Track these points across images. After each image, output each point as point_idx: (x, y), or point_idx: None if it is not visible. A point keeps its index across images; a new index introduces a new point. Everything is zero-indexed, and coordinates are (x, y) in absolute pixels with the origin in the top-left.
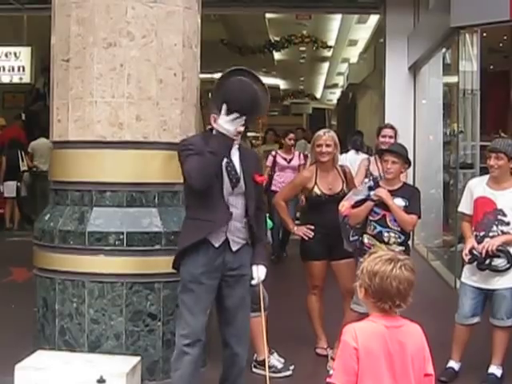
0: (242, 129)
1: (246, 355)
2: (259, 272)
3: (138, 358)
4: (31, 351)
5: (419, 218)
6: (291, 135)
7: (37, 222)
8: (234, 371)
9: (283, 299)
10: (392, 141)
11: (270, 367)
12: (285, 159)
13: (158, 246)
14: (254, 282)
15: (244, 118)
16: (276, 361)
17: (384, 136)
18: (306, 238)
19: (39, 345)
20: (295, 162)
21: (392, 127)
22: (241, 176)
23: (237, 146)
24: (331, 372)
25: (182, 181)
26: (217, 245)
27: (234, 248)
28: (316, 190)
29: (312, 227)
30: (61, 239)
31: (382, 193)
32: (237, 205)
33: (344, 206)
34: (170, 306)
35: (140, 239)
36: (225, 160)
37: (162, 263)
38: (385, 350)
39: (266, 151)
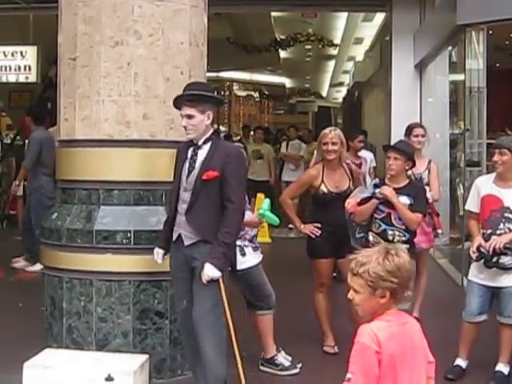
0: (183, 123)
1: (207, 352)
2: (204, 270)
3: (145, 356)
4: (39, 350)
5: (424, 215)
6: (360, 137)
7: (44, 221)
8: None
9: (290, 297)
10: (424, 139)
11: (277, 365)
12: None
13: None
14: (203, 280)
15: (183, 111)
16: (283, 359)
17: (416, 135)
18: (313, 236)
19: (47, 343)
20: (363, 169)
21: (421, 126)
22: (195, 172)
23: (203, 141)
24: (349, 376)
25: None
26: (173, 239)
27: (186, 243)
28: (323, 187)
29: (319, 225)
30: (68, 238)
31: (387, 191)
32: (186, 200)
33: (350, 204)
34: (176, 304)
35: (147, 237)
36: (188, 157)
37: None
38: (401, 350)
39: (254, 151)
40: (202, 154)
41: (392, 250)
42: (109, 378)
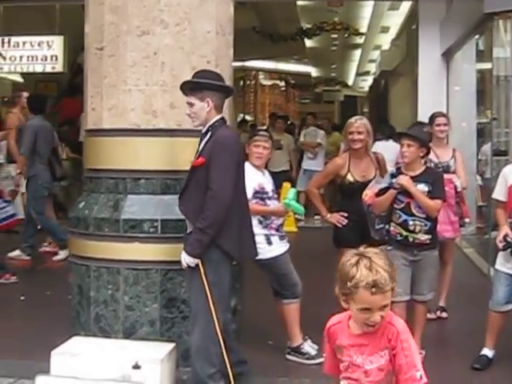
0: (187, 111)
1: (193, 341)
2: (181, 257)
3: (172, 345)
4: (67, 338)
5: (444, 201)
6: (441, 119)
7: (72, 210)
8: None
9: (316, 286)
10: (446, 128)
11: (303, 354)
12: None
13: None
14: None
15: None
16: (309, 347)
17: (438, 124)
18: (340, 226)
19: (75, 331)
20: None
21: (444, 115)
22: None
23: (206, 128)
24: (420, 373)
25: None
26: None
27: (188, 230)
28: (349, 177)
29: (345, 214)
30: (95, 227)
31: (404, 180)
32: None
33: (367, 195)
34: None
35: (174, 226)
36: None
37: None
38: None
39: (273, 141)
40: (203, 141)
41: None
42: (136, 366)
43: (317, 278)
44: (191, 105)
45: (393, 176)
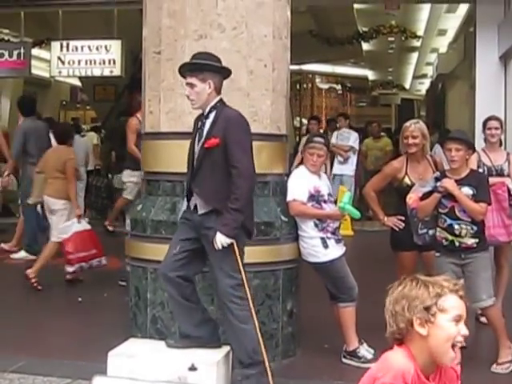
0: (187, 92)
1: (227, 322)
2: (215, 238)
3: (228, 347)
4: (123, 339)
5: (489, 204)
6: (493, 123)
7: (129, 213)
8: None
9: (373, 290)
10: (498, 132)
11: (359, 357)
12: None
13: None
14: (216, 248)
15: (185, 79)
16: (366, 351)
17: (490, 128)
18: (397, 229)
19: (131, 333)
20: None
21: (497, 118)
22: (202, 141)
23: (208, 109)
24: None
25: (273, 171)
26: (191, 208)
27: (200, 211)
28: (406, 180)
29: (402, 218)
30: (153, 229)
31: (448, 183)
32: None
33: (411, 199)
34: (260, 296)
35: None
36: (198, 127)
37: (252, 253)
38: None
39: None
40: (208, 123)
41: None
42: (192, 368)
43: (374, 281)
44: (192, 86)
45: (437, 179)
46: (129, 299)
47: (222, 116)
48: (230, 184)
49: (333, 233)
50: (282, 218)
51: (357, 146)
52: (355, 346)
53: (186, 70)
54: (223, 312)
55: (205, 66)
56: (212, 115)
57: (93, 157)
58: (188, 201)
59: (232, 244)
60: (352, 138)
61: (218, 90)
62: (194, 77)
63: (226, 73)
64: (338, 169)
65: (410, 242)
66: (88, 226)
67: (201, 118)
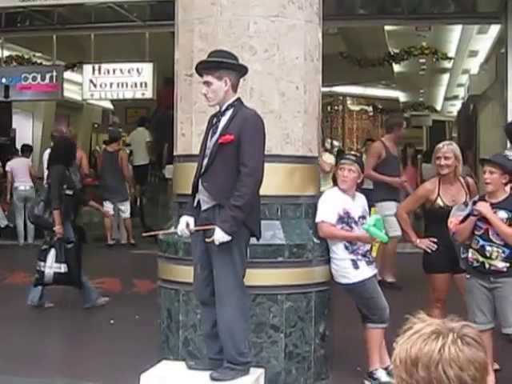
0: (203, 90)
1: (224, 320)
2: (214, 234)
3: (261, 370)
4: (155, 361)
5: None
6: None
7: (162, 235)
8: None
9: (405, 312)
10: None
11: (374, 379)
12: None
13: (280, 259)
14: (206, 240)
15: (202, 77)
16: (382, 373)
17: None
18: (429, 251)
19: (163, 355)
20: None
21: None
22: (215, 137)
23: (225, 107)
24: None
25: (305, 193)
26: (194, 205)
27: (203, 207)
28: (439, 201)
29: (435, 240)
30: (185, 251)
31: (482, 206)
32: (205, 165)
33: (452, 223)
34: (292, 318)
35: (263, 251)
36: (213, 124)
37: (285, 275)
38: None
39: None
40: (224, 120)
41: (451, 333)
42: None
43: (406, 303)
44: (209, 84)
45: (475, 203)
46: (161, 321)
47: (239, 114)
48: (237, 181)
49: (363, 255)
50: (315, 240)
51: None
52: (375, 367)
53: (203, 68)
54: (220, 307)
55: (221, 64)
56: (229, 113)
57: (146, 152)
58: (193, 197)
59: (231, 241)
60: None
61: (235, 88)
62: (210, 75)
63: (242, 70)
64: None
65: (442, 263)
66: None
67: (217, 115)
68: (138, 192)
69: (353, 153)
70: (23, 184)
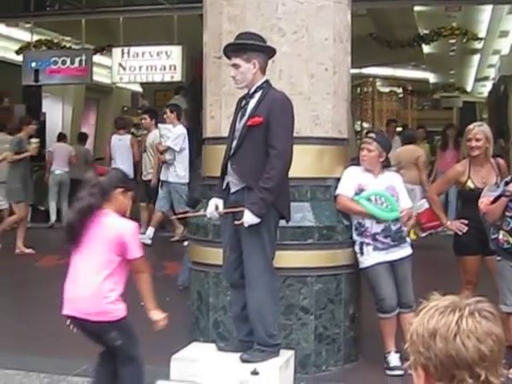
0: (232, 73)
1: (254, 302)
2: (244, 216)
3: (291, 352)
4: (186, 343)
5: None
6: None
7: (191, 217)
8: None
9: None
10: None
11: (386, 362)
12: None
13: (310, 241)
14: (236, 222)
15: (230, 60)
16: (392, 358)
17: None
18: (460, 233)
19: (194, 337)
20: None
21: None
22: (244, 119)
23: (254, 89)
24: None
25: (334, 175)
26: (223, 187)
27: (232, 189)
28: (469, 183)
29: (465, 221)
30: (215, 233)
31: None
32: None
33: (483, 203)
34: (322, 300)
35: (292, 233)
36: (241, 106)
37: (315, 257)
38: None
39: None
40: (252, 102)
41: (468, 307)
42: (254, 372)
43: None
44: (237, 66)
45: (507, 184)
46: (191, 303)
47: (267, 96)
48: (266, 164)
49: (374, 239)
50: (344, 222)
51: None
52: (387, 350)
53: (231, 50)
54: (249, 289)
55: (249, 46)
56: (257, 95)
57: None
58: (222, 180)
59: (261, 223)
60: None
61: (263, 70)
62: (238, 57)
63: (270, 52)
64: None
65: (473, 246)
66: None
67: (245, 97)
68: None
69: (376, 131)
70: (60, 168)
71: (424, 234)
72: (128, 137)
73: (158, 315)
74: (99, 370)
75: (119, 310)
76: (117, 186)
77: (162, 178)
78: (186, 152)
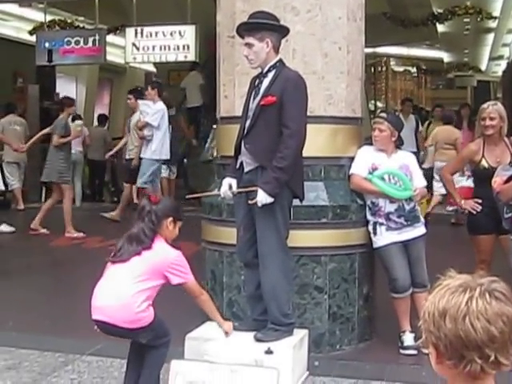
0: (245, 52)
1: (268, 281)
2: (257, 196)
3: (305, 331)
4: (200, 323)
5: None
6: None
7: (205, 196)
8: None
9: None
10: None
11: (400, 341)
12: None
13: (324, 220)
14: (249, 202)
15: (243, 39)
16: (408, 337)
17: None
18: (474, 212)
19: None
20: None
21: None
22: (257, 98)
23: (267, 69)
24: None
25: (348, 154)
26: (237, 166)
27: (246, 169)
28: (483, 162)
29: (479, 201)
30: (229, 213)
31: None
32: (247, 126)
33: (496, 182)
34: (336, 280)
35: (306, 212)
36: (255, 86)
37: (329, 236)
38: None
39: None
40: (266, 81)
41: (479, 287)
42: (268, 351)
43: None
44: (250, 46)
45: None
46: (205, 283)
47: (281, 76)
48: (280, 143)
49: (387, 218)
50: (358, 201)
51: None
52: (402, 329)
53: (244, 29)
54: (263, 268)
55: (262, 25)
56: (271, 74)
57: (200, 94)
58: (236, 159)
59: (274, 203)
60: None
61: (277, 49)
62: (251, 36)
63: (283, 31)
64: None
65: (487, 225)
66: None
67: (259, 77)
68: (192, 135)
69: (388, 111)
70: (74, 148)
71: (451, 208)
72: None
73: (229, 327)
74: (131, 358)
75: (149, 316)
76: (168, 215)
77: (141, 155)
78: (165, 128)
